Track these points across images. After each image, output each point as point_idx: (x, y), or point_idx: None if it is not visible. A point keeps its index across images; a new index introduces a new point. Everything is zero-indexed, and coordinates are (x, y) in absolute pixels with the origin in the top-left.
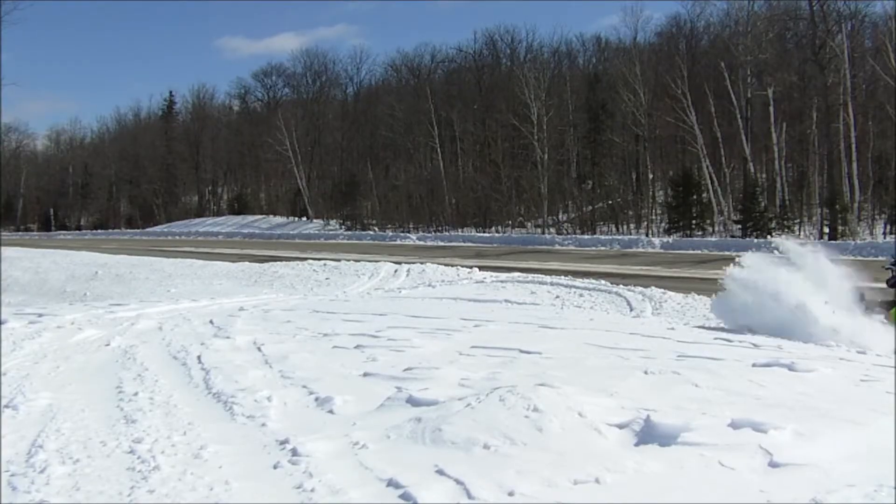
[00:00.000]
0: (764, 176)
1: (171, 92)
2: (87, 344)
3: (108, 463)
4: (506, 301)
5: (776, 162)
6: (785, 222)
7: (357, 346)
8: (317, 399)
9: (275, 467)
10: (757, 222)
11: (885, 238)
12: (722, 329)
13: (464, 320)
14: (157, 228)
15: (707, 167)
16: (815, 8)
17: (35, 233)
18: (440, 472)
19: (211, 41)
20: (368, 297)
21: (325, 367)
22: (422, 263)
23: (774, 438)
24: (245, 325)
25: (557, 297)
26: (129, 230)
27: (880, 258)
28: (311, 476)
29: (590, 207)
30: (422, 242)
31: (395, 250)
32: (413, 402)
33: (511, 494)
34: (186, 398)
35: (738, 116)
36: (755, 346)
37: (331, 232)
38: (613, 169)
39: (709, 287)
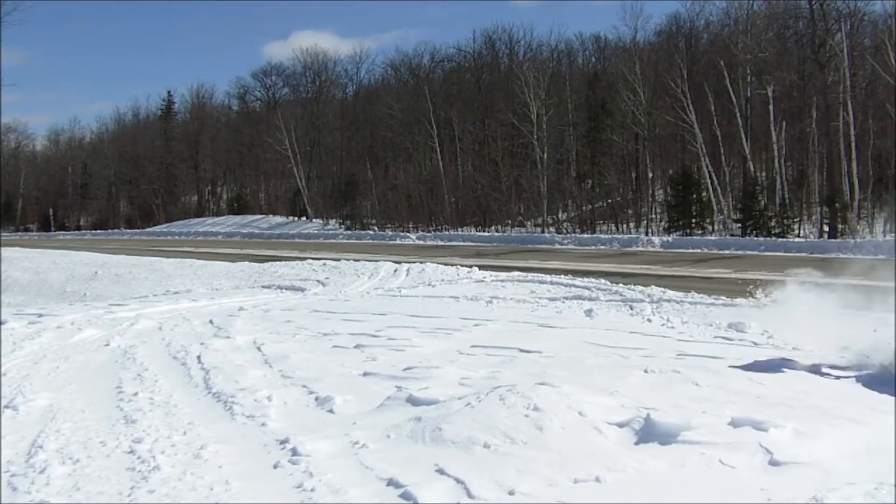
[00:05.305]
0: (764, 174)
1: (169, 92)
2: (87, 344)
3: (108, 463)
4: (505, 300)
5: (776, 160)
6: (785, 221)
7: (357, 346)
8: (317, 399)
9: (275, 467)
10: (757, 221)
11: (884, 236)
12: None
13: (463, 319)
14: (157, 228)
15: (707, 166)
16: (814, 6)
17: (35, 233)
18: (440, 472)
19: (233, 41)
20: (368, 296)
21: (325, 366)
22: (421, 263)
23: (775, 437)
24: (245, 325)
25: (557, 295)
26: (128, 230)
27: (880, 256)
28: (311, 475)
29: (589, 206)
30: (421, 242)
31: (395, 250)
32: (413, 401)
33: (511, 493)
34: (186, 398)
35: (738, 115)
36: (755, 344)
37: (330, 231)
38: (613, 168)
39: (708, 286)
